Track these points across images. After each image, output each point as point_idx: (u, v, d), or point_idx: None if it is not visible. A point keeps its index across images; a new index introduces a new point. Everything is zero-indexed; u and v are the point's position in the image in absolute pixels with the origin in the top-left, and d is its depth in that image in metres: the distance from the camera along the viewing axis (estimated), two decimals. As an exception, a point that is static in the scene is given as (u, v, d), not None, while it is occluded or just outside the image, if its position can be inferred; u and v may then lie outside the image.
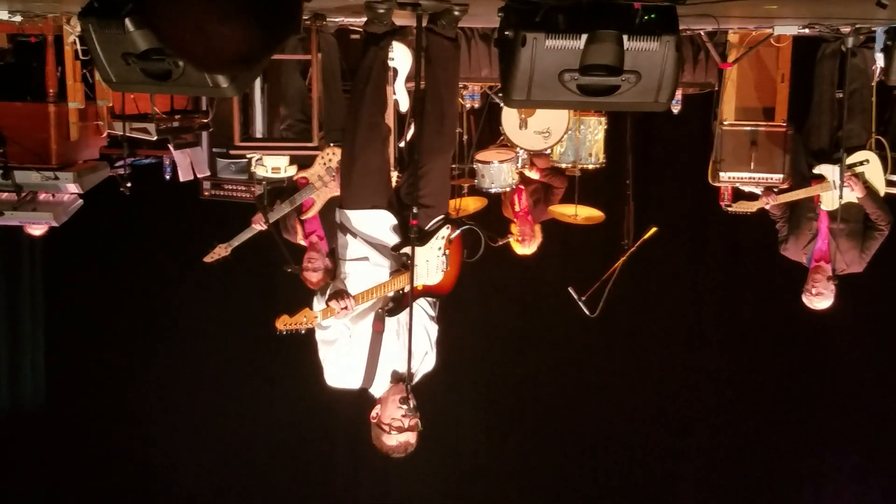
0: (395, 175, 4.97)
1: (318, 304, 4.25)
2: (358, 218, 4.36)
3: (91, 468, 9.10)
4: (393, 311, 4.25)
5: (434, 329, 4.50)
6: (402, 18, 4.53)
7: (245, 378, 9.02)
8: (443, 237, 4.40)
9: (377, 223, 4.34)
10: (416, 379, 4.36)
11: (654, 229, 6.44)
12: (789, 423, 8.89)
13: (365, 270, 4.32)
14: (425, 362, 4.47)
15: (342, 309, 4.14)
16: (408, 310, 4.21)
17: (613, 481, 9.20)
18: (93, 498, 9.19)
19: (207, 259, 5.97)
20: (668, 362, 8.83)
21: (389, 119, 4.89)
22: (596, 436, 9.11)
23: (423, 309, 4.39)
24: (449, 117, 4.44)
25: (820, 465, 8.93)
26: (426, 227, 4.36)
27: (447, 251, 4.43)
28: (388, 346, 4.26)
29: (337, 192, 5.86)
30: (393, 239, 4.31)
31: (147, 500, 9.28)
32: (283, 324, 4.22)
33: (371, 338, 4.26)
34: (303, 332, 4.24)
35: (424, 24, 4.07)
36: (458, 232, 4.46)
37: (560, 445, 9.10)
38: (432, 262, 4.39)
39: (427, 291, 4.42)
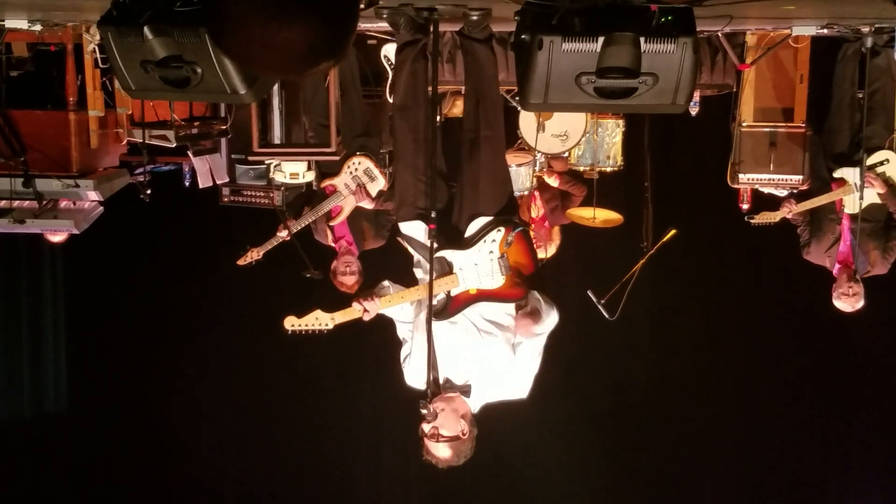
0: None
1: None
2: (407, 227, 4.44)
3: (113, 473, 9.13)
4: (437, 316, 4.15)
5: (501, 338, 4.27)
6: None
7: (267, 381, 9.04)
8: (493, 240, 4.29)
9: (419, 230, 4.36)
10: (484, 399, 4.27)
11: (673, 232, 6.42)
12: (813, 424, 8.83)
13: (420, 276, 4.40)
14: (488, 379, 4.26)
15: (364, 311, 4.17)
16: (463, 315, 4.24)
17: (637, 484, 9.16)
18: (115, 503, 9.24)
19: (240, 262, 6.02)
20: (688, 365, 8.78)
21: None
22: (615, 438, 9.07)
23: (482, 316, 4.27)
24: (486, 119, 4.32)
25: (846, 466, 8.87)
26: (466, 232, 4.33)
27: (504, 254, 4.30)
28: (441, 350, 4.12)
29: (362, 201, 5.90)
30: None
31: (168, 505, 9.32)
32: (291, 324, 4.23)
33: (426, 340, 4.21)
34: (315, 333, 4.25)
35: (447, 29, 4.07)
36: (514, 234, 4.31)
37: (578, 448, 9.06)
38: (483, 267, 4.27)
39: (491, 296, 4.29)
